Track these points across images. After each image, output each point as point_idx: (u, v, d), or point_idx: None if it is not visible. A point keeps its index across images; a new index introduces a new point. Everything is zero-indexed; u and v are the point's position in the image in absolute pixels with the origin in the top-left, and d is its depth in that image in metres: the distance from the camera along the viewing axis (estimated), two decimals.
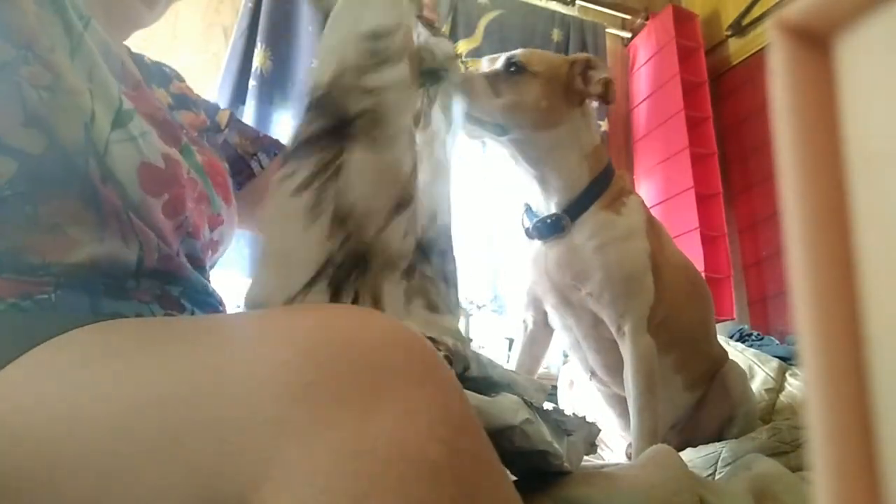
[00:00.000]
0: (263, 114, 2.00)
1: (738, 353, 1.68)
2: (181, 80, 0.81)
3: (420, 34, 0.62)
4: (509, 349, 1.88)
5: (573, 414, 0.64)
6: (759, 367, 1.62)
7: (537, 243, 1.17)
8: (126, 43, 0.73)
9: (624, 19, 2.89)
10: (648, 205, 2.59)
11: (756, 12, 2.60)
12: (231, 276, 1.54)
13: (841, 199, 0.16)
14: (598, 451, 1.36)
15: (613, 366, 1.20)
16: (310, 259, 0.45)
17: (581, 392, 1.38)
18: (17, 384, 0.40)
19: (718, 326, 2.11)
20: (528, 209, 1.20)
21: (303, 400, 0.31)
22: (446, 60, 0.64)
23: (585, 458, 0.78)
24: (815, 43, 0.17)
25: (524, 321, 1.29)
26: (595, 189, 1.15)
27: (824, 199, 0.16)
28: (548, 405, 0.61)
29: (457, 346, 0.52)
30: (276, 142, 0.90)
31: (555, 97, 1.13)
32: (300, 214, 0.45)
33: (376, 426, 0.30)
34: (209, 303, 0.62)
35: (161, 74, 0.78)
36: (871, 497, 0.15)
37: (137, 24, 0.72)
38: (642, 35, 2.83)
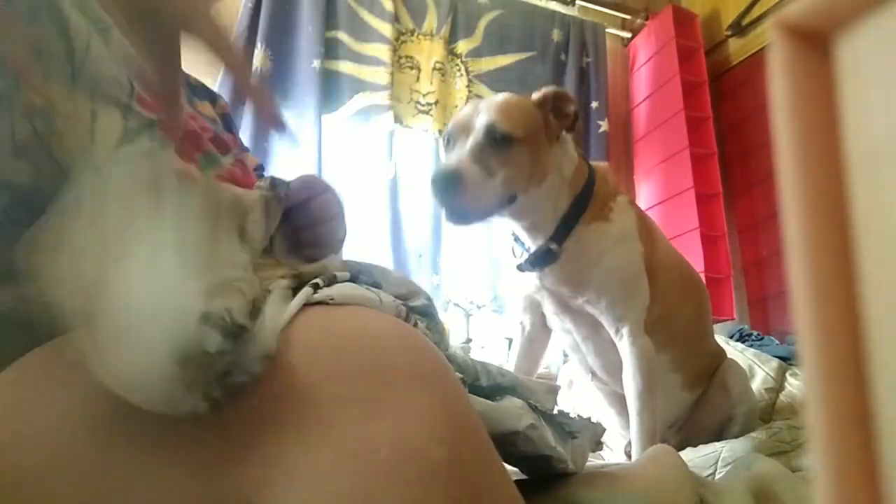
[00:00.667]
0: None
1: (738, 353, 1.67)
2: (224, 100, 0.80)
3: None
4: (509, 349, 1.88)
5: (578, 416, 0.64)
6: (759, 366, 1.62)
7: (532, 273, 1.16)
8: None
9: (624, 19, 2.89)
10: (649, 205, 2.61)
11: (756, 12, 2.60)
12: None
13: (841, 199, 0.16)
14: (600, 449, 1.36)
15: (613, 366, 1.20)
16: None
17: (581, 391, 1.38)
18: (17, 385, 0.40)
19: (718, 326, 2.12)
20: (516, 237, 1.19)
21: (306, 400, 0.31)
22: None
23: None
24: (815, 43, 0.17)
25: (521, 323, 1.29)
26: (578, 205, 1.13)
27: (824, 199, 0.16)
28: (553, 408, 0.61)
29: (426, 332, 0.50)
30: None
31: (541, 150, 1.10)
32: None
33: (379, 427, 0.30)
34: None
35: (205, 90, 0.77)
36: (871, 497, 0.15)
37: None
38: (642, 35, 2.83)
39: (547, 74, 2.55)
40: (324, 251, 0.60)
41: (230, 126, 0.77)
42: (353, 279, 0.48)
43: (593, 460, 1.21)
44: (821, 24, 0.17)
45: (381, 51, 2.24)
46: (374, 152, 2.19)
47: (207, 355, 0.30)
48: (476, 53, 2.47)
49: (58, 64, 0.51)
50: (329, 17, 2.19)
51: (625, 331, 1.12)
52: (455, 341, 1.96)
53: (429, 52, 2.38)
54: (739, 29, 2.73)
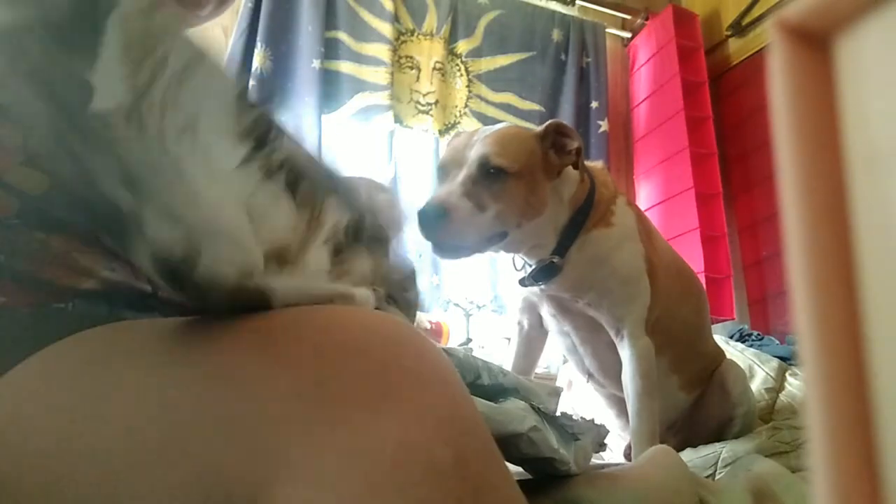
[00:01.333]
0: None
1: (738, 353, 1.67)
2: None
3: (371, 190, 0.58)
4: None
5: (581, 418, 0.64)
6: (759, 367, 1.62)
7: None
8: None
9: (624, 19, 2.89)
10: (649, 205, 2.61)
11: (756, 12, 2.60)
12: None
13: (841, 199, 0.16)
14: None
15: (611, 368, 1.20)
16: None
17: (580, 393, 1.38)
18: (25, 384, 0.40)
19: (718, 326, 2.12)
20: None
21: (311, 400, 0.31)
22: (392, 227, 0.57)
23: None
24: (815, 43, 0.17)
25: (519, 322, 1.29)
26: (579, 218, 1.11)
27: (824, 199, 0.16)
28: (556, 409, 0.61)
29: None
30: None
31: (538, 185, 1.06)
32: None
33: (383, 426, 0.30)
34: None
35: None
36: (871, 497, 0.15)
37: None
38: (642, 35, 2.83)
39: (547, 74, 2.55)
40: None
41: None
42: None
43: (594, 461, 1.21)
44: (821, 25, 0.17)
45: (381, 51, 2.24)
46: (375, 152, 2.19)
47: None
48: (476, 53, 2.47)
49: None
50: (329, 17, 2.19)
51: (625, 332, 1.12)
52: (455, 341, 1.97)
53: (429, 52, 2.38)
54: (739, 29, 2.73)
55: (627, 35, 2.90)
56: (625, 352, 1.12)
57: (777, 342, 1.97)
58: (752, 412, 1.27)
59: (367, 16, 2.27)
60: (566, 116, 2.50)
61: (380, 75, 2.22)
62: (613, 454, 1.33)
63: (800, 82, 0.17)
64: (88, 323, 0.44)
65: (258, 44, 2.05)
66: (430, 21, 2.41)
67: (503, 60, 2.51)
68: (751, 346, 1.86)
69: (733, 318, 2.37)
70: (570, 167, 1.10)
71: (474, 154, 1.03)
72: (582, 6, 2.77)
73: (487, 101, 2.46)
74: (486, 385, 0.54)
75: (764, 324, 2.45)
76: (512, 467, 0.56)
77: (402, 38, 2.36)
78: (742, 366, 1.39)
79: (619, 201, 1.17)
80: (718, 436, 1.23)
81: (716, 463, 1.04)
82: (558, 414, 0.60)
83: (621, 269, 1.11)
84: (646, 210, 2.44)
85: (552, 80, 2.56)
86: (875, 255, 0.15)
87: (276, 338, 0.37)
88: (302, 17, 2.14)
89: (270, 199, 0.39)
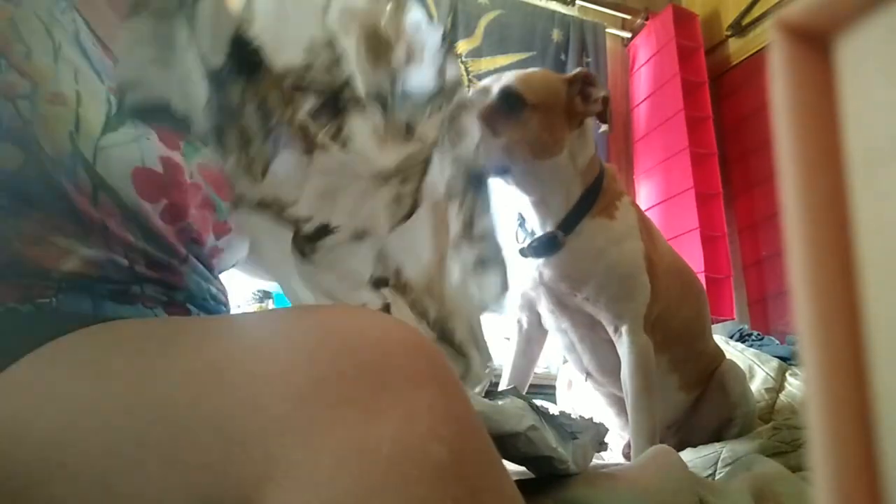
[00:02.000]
0: None
1: (738, 353, 1.67)
2: None
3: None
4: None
5: (580, 416, 0.65)
6: (759, 367, 1.62)
7: (532, 259, 1.16)
8: None
9: (624, 19, 2.89)
10: (649, 204, 2.61)
11: (756, 12, 2.60)
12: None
13: (841, 199, 0.16)
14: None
15: (609, 367, 1.19)
16: None
17: (579, 392, 1.38)
18: (18, 386, 0.40)
19: (718, 326, 2.12)
20: (522, 221, 1.18)
21: (307, 399, 0.31)
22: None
23: None
24: (815, 43, 0.17)
25: (519, 321, 1.29)
26: (588, 199, 1.13)
27: (824, 199, 0.16)
28: (554, 408, 0.61)
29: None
30: None
31: (555, 126, 1.09)
32: None
33: (380, 426, 0.30)
34: (217, 310, 0.62)
35: None
36: (871, 497, 0.15)
37: None
38: (642, 35, 2.82)
39: None
40: None
41: None
42: None
43: (594, 460, 1.20)
44: (821, 24, 0.17)
45: None
46: None
47: None
48: (476, 53, 2.47)
49: (40, 40, 0.50)
50: None
51: (624, 329, 1.12)
52: None
53: None
54: (739, 29, 2.73)
55: (627, 35, 2.90)
56: (623, 349, 1.12)
57: (777, 342, 1.97)
58: (751, 412, 1.27)
59: None
60: None
61: None
62: (612, 454, 1.33)
63: (800, 82, 0.17)
64: (76, 323, 0.44)
65: None
66: None
67: (503, 60, 2.51)
68: (751, 346, 1.85)
69: (733, 318, 2.37)
70: (589, 143, 1.15)
71: (498, 84, 1.08)
72: (582, 6, 2.77)
73: None
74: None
75: (764, 324, 2.46)
76: (513, 467, 0.56)
77: None
78: (742, 366, 1.38)
79: (624, 199, 1.18)
80: (718, 436, 1.23)
81: (716, 463, 1.04)
82: (557, 413, 0.60)
83: (620, 265, 1.11)
84: (646, 210, 2.44)
85: None
86: (875, 254, 0.15)
87: (270, 338, 0.37)
88: None
89: None
